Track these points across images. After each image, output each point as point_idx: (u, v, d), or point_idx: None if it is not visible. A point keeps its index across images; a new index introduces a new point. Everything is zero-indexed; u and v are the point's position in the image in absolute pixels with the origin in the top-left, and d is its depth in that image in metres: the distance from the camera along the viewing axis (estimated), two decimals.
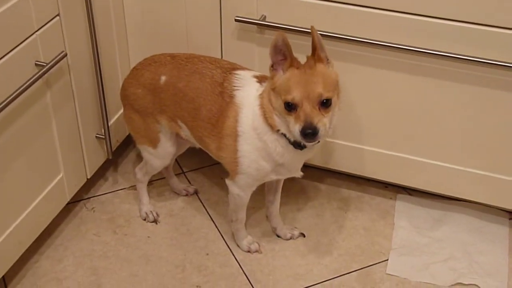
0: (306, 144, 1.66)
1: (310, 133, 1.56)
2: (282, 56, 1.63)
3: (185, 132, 1.91)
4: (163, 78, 1.86)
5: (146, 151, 2.00)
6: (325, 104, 1.60)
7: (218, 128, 1.79)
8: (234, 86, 1.77)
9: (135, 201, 2.22)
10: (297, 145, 1.71)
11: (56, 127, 1.88)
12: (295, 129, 1.59)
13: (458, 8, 1.71)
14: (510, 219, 2.15)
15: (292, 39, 1.66)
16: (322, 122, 1.58)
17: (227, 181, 1.88)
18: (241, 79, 1.78)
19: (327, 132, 1.63)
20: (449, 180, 2.04)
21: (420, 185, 2.12)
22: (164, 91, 1.86)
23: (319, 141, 1.66)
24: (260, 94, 1.72)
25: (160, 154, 1.99)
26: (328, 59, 1.65)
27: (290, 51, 1.61)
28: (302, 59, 1.64)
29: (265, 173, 1.80)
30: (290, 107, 1.59)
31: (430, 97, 1.90)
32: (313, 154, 1.83)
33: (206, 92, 1.80)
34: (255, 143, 1.74)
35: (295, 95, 1.58)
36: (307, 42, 1.69)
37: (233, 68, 1.83)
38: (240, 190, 1.87)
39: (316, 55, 1.62)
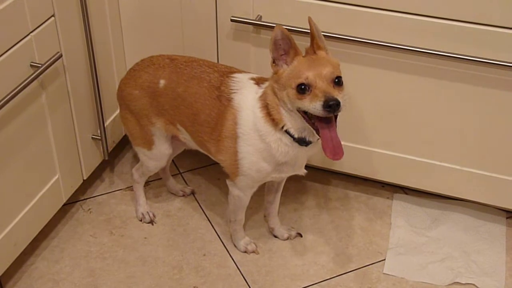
0: (328, 115, 1.58)
1: (334, 103, 1.54)
2: (283, 51, 1.64)
3: (184, 135, 1.91)
4: (162, 82, 1.85)
5: (142, 153, 2.00)
6: (338, 83, 1.60)
7: (218, 131, 1.79)
8: (231, 90, 1.77)
9: (131, 202, 2.21)
10: (302, 142, 1.71)
11: (51, 128, 1.88)
12: (316, 105, 1.56)
13: (458, 8, 1.71)
14: (507, 218, 2.15)
15: None
16: (340, 96, 1.58)
17: (228, 182, 1.88)
18: (238, 82, 1.78)
19: (345, 107, 1.61)
20: (446, 179, 2.04)
21: (417, 184, 2.12)
22: (163, 95, 1.85)
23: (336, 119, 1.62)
24: (261, 96, 1.72)
25: (155, 156, 1.98)
26: (326, 49, 1.67)
27: (293, 43, 1.63)
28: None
29: (265, 174, 1.80)
30: (304, 89, 1.58)
31: (427, 97, 1.90)
32: (317, 149, 1.82)
33: (204, 97, 1.80)
34: (256, 144, 1.73)
35: (308, 75, 1.58)
36: (303, 42, 1.70)
37: (230, 71, 1.83)
38: (240, 191, 1.87)
39: (314, 43, 1.64)
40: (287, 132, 1.69)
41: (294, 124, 1.67)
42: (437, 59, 1.79)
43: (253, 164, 1.77)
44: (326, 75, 1.59)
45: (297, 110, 1.62)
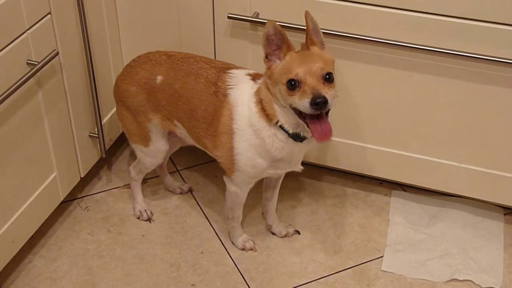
0: (315, 112, 1.58)
1: (321, 101, 1.54)
2: (275, 46, 1.64)
3: (181, 130, 1.91)
4: (159, 78, 1.85)
5: (138, 149, 2.00)
6: (328, 79, 1.60)
7: (214, 127, 1.79)
8: (228, 85, 1.77)
9: (129, 199, 2.21)
10: (297, 137, 1.70)
11: (48, 126, 1.87)
12: (304, 103, 1.56)
13: (456, 4, 1.70)
14: (505, 214, 2.15)
15: None
16: (329, 94, 1.58)
17: (225, 179, 1.88)
18: (235, 78, 1.78)
19: (334, 104, 1.60)
20: (444, 176, 2.04)
21: (415, 181, 2.12)
22: (160, 91, 1.85)
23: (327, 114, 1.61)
24: (256, 91, 1.72)
25: (152, 153, 1.98)
26: (323, 44, 1.67)
27: (286, 38, 1.62)
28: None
29: (261, 170, 1.79)
30: (294, 85, 1.58)
31: (425, 94, 1.90)
32: (312, 145, 1.82)
33: (201, 93, 1.80)
34: (251, 139, 1.73)
35: (298, 71, 1.58)
36: (301, 39, 1.69)
37: (227, 67, 1.83)
38: (237, 187, 1.87)
39: (308, 39, 1.64)
40: (281, 127, 1.69)
41: (288, 119, 1.67)
42: (435, 55, 1.79)
43: (248, 159, 1.77)
44: (316, 71, 1.58)
45: (290, 107, 1.62)
